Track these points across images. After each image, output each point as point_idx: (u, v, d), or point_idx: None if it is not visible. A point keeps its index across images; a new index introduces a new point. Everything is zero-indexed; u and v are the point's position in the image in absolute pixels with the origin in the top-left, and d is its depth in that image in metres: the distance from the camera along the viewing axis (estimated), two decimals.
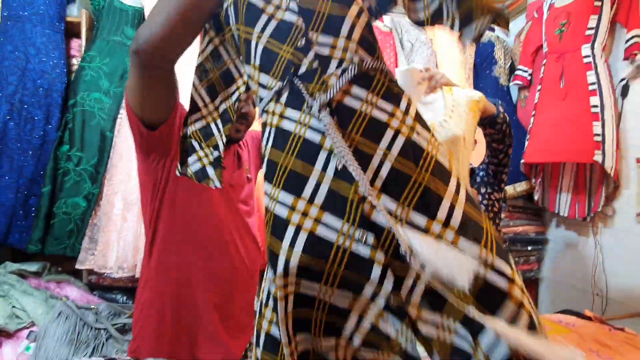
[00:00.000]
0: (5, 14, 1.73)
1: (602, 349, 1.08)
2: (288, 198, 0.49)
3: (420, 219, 0.45)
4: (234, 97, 0.67)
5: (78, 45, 1.91)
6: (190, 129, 0.66)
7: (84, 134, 1.69)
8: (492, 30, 2.36)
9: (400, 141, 0.48)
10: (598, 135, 1.64)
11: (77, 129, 1.69)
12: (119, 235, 1.65)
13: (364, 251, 0.46)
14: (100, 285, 1.78)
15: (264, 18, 0.56)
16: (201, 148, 0.66)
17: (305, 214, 0.48)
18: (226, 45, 0.66)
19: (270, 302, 0.49)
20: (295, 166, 0.50)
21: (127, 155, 1.68)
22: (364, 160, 0.47)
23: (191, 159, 0.66)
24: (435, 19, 0.61)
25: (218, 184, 0.67)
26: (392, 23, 2.08)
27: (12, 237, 1.69)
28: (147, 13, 1.82)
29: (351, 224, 0.47)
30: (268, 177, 0.52)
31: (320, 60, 0.53)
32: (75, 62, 1.88)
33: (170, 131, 0.81)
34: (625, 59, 1.66)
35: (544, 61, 1.98)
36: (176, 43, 0.63)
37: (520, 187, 2.02)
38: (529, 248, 2.08)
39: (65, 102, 1.75)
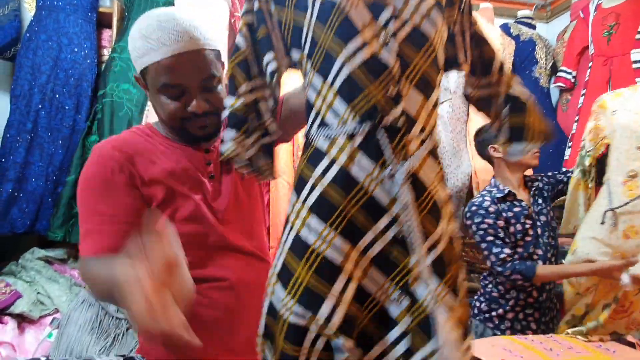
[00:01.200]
0: (40, 3, 1.76)
1: None
2: (345, 245, 0.49)
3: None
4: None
5: (109, 36, 1.92)
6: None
7: (112, 124, 1.70)
8: (533, 28, 2.23)
9: (451, 226, 0.50)
10: None
11: (106, 120, 1.70)
12: None
13: (394, 311, 0.49)
14: None
15: (358, 41, 0.51)
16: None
17: (357, 264, 0.49)
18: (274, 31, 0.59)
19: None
20: (356, 217, 0.49)
21: None
22: (423, 237, 0.48)
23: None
24: (482, 105, 0.62)
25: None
26: None
27: (40, 224, 1.72)
28: (176, 4, 1.80)
29: (394, 285, 0.49)
30: (321, 214, 0.50)
31: (407, 118, 0.51)
32: (105, 52, 1.89)
33: None
34: None
35: (590, 64, 1.85)
36: None
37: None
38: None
39: (94, 92, 1.76)
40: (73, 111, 1.72)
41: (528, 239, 1.33)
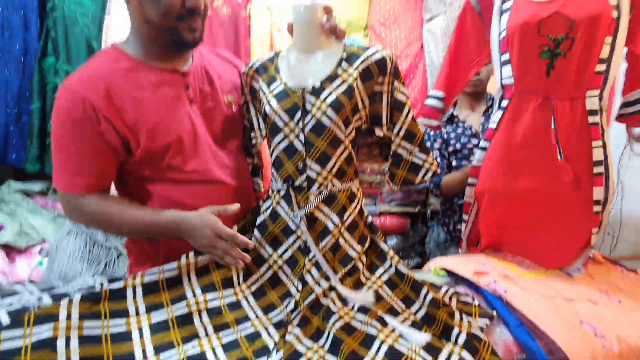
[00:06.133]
0: None
1: (613, 289, 1.06)
2: (269, 249, 0.84)
3: (333, 277, 0.80)
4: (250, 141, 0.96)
5: None
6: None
7: (68, 43, 1.53)
8: None
9: (332, 241, 0.82)
10: None
11: (60, 38, 1.53)
12: None
13: (293, 290, 0.81)
14: None
15: (281, 135, 0.84)
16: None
17: (276, 262, 0.84)
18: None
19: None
20: (279, 235, 0.84)
21: None
22: (308, 249, 0.81)
23: None
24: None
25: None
26: None
27: (10, 156, 1.64)
28: None
29: (295, 277, 0.82)
30: (261, 230, 0.85)
31: (309, 181, 0.83)
32: None
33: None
34: None
35: None
36: None
37: None
38: None
39: (42, 5, 1.55)
40: (21, 28, 1.53)
41: (471, 156, 1.41)
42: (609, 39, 0.92)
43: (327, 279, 0.78)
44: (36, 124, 1.56)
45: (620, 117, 1.10)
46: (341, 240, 0.82)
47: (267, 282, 0.82)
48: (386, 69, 0.84)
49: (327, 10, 0.86)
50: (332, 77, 0.83)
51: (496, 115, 1.08)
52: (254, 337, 0.72)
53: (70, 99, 0.75)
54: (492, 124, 1.09)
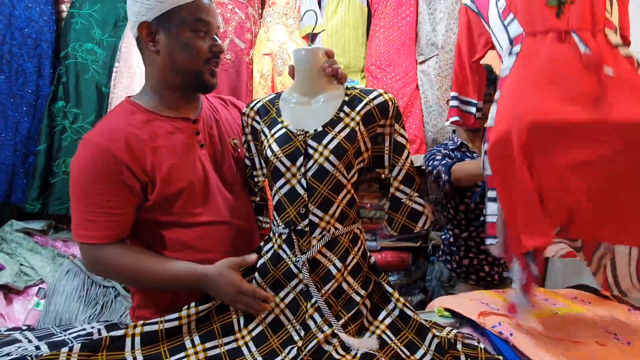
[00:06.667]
0: None
1: (621, 330, 1.03)
2: (270, 293, 0.83)
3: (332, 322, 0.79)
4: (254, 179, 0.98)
5: None
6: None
7: (78, 88, 1.60)
8: None
9: (335, 285, 0.81)
10: None
11: (71, 83, 1.59)
12: None
13: (295, 337, 0.79)
14: None
15: (282, 180, 0.83)
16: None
17: (277, 306, 0.82)
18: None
19: None
20: (279, 278, 0.83)
21: None
22: (316, 293, 0.80)
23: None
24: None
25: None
26: None
27: (15, 196, 1.67)
28: None
29: (297, 322, 0.80)
30: (262, 273, 0.84)
31: (311, 225, 0.81)
32: (64, 8, 1.73)
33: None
34: None
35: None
36: None
37: None
38: None
39: (55, 53, 1.64)
40: (35, 75, 1.61)
41: (476, 189, 1.36)
42: None
43: (330, 325, 0.76)
44: (40, 164, 1.60)
45: None
46: (344, 285, 0.81)
47: (268, 327, 0.80)
48: (388, 112, 0.84)
49: (329, 54, 0.87)
50: (334, 122, 0.82)
51: (506, 63, 0.88)
52: None
53: (92, 150, 0.79)
54: (504, 71, 0.87)
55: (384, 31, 1.81)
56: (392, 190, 0.88)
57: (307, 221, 0.81)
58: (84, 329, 0.75)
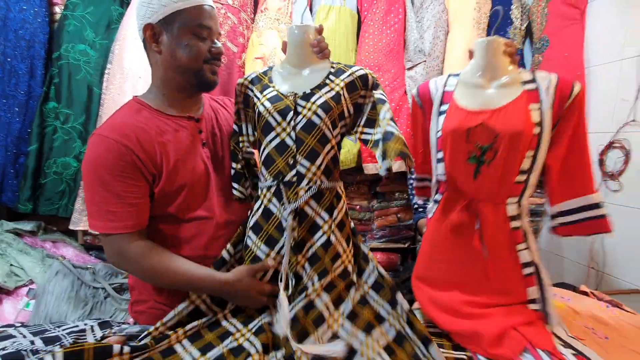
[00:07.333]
0: None
1: (599, 325, 1.07)
2: (265, 249, 0.88)
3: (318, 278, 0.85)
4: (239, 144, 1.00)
5: None
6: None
7: (70, 89, 1.60)
8: None
9: (323, 238, 0.86)
10: None
11: (63, 84, 1.60)
12: None
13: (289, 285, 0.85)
14: (96, 246, 1.78)
15: (273, 134, 0.88)
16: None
17: (274, 260, 0.87)
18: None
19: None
20: (273, 233, 0.87)
21: None
22: (301, 245, 0.86)
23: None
24: (373, 147, 0.88)
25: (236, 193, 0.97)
26: None
27: (5, 196, 1.66)
28: None
29: (289, 270, 0.86)
30: (255, 231, 0.89)
31: (298, 176, 0.86)
32: (57, 10, 1.74)
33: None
34: None
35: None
36: None
37: None
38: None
39: (49, 55, 1.65)
40: (27, 76, 1.61)
41: None
42: (530, 153, 0.93)
43: (321, 275, 0.84)
44: (31, 165, 1.60)
45: (560, 227, 0.99)
46: (332, 238, 0.86)
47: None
48: (368, 84, 0.92)
49: (319, 31, 0.95)
50: (321, 86, 0.90)
51: (431, 207, 1.09)
52: (261, 331, 0.79)
53: (107, 144, 0.80)
54: (429, 214, 1.10)
55: (373, 38, 1.85)
56: (382, 126, 0.87)
57: (294, 172, 0.86)
58: (77, 326, 0.76)
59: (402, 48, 1.90)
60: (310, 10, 1.90)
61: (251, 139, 0.97)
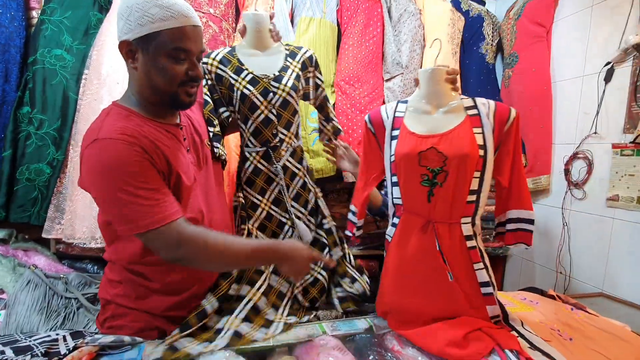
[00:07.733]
0: None
1: (564, 327, 1.12)
2: (260, 197, 1.24)
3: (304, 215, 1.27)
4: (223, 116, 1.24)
5: None
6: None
7: (45, 94, 1.57)
8: (483, 4, 2.27)
9: (301, 182, 1.26)
10: None
11: (38, 89, 1.57)
12: (91, 204, 1.58)
13: (283, 219, 1.25)
14: (69, 255, 1.73)
15: (258, 111, 1.18)
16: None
17: (266, 205, 1.24)
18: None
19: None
20: (262, 185, 1.23)
21: (93, 120, 1.58)
22: (288, 187, 1.23)
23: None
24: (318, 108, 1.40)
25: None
26: None
27: None
28: None
29: (280, 209, 1.25)
30: (249, 185, 1.23)
31: (280, 142, 1.21)
32: (35, 14, 1.71)
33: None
34: None
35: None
36: None
37: None
38: None
39: (24, 59, 1.61)
40: (2, 80, 1.57)
41: None
42: (477, 173, 1.00)
43: (304, 207, 1.26)
44: (6, 171, 1.55)
45: (497, 236, 1.13)
46: (306, 180, 1.27)
47: (265, 220, 1.23)
48: (313, 62, 1.29)
49: (271, 16, 1.23)
50: (284, 68, 1.22)
51: (389, 230, 1.13)
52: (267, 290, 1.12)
53: (121, 145, 0.78)
54: (388, 237, 1.14)
55: (352, 49, 1.91)
56: (333, 118, 1.40)
57: (277, 139, 1.21)
58: (49, 336, 0.75)
59: (381, 60, 1.96)
60: (292, 22, 1.94)
61: (235, 109, 1.20)
